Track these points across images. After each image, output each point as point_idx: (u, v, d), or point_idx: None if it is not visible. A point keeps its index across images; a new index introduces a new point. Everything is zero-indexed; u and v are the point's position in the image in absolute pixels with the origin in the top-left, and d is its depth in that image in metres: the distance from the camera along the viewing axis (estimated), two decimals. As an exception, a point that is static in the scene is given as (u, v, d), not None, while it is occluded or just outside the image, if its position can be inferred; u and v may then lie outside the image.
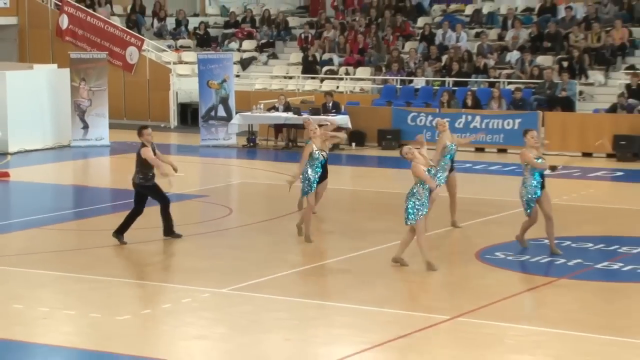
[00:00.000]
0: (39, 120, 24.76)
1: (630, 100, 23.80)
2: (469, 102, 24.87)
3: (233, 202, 18.35)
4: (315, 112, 24.72)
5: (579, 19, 28.49)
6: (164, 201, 14.61)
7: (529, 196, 13.36)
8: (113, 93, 27.56)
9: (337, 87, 29.15)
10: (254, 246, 14.33)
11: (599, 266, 12.86)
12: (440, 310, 10.87)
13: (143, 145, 14.48)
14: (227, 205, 17.46)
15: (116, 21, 31.59)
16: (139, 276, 12.67)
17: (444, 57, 28.54)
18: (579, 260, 13.12)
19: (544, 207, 13.41)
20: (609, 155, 22.77)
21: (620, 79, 25.78)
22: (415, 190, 12.57)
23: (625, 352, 9.49)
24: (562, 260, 13.12)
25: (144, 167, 14.49)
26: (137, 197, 14.53)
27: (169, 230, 14.67)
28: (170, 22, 33.99)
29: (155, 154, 14.58)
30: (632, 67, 26.11)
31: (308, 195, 14.19)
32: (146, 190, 14.52)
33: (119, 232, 14.36)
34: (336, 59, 30.45)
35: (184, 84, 30.05)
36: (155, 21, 33.59)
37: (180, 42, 33.12)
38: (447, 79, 27.45)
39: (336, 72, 29.89)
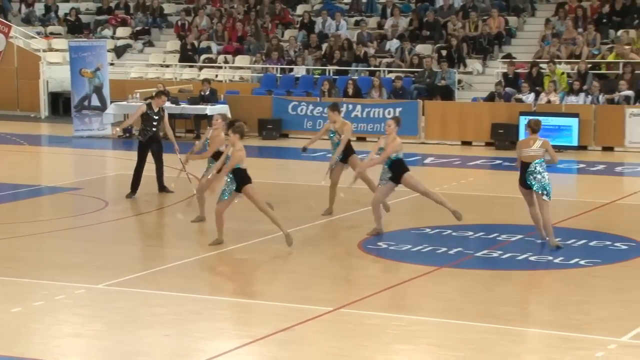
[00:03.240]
0: None
1: (508, 89, 24.38)
2: (350, 91, 25.06)
3: (109, 195, 18.06)
4: (193, 101, 24.54)
5: (457, 7, 29.05)
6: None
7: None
8: (-21, 82, 26.81)
9: (216, 75, 28.99)
10: (131, 240, 14.14)
11: (479, 254, 13.12)
12: (323, 301, 10.92)
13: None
14: (102, 198, 17.18)
15: (-19, 7, 30.71)
16: (8, 273, 12.34)
17: (324, 46, 28.68)
18: (459, 249, 13.37)
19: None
20: (488, 144, 23.29)
21: (498, 67, 26.39)
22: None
23: (504, 338, 9.72)
24: (443, 249, 13.35)
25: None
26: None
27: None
28: (39, 8, 33.21)
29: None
30: (508, 55, 26.76)
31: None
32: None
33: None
34: (214, 47, 30.26)
35: (55, 72, 29.41)
36: (23, 7, 32.74)
37: (50, 28, 32.39)
38: (327, 67, 27.61)
39: (215, 61, 29.71)
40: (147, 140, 17.02)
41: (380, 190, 14.03)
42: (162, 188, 17.12)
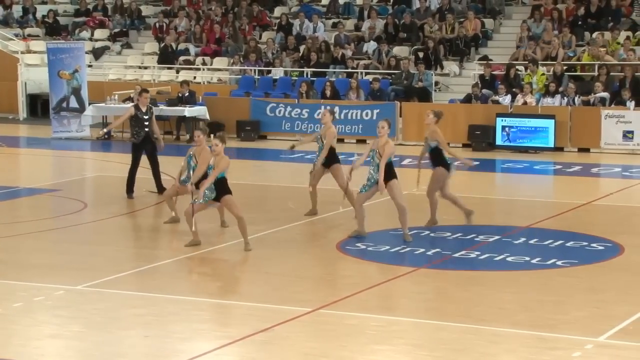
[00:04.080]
0: None
1: (484, 91, 24.46)
2: (328, 92, 25.08)
3: (87, 196, 18.00)
4: (171, 103, 24.48)
5: (433, 10, 29.12)
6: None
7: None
8: (-45, 84, 26.65)
9: (194, 77, 28.94)
10: (109, 241, 14.09)
11: (456, 255, 13.15)
12: (302, 302, 10.92)
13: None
14: (81, 200, 17.11)
15: (-42, 8, 30.53)
16: (-12, 275, 12.27)
17: (302, 48, 28.67)
18: (437, 250, 13.40)
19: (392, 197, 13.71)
20: (465, 145, 23.34)
21: (474, 69, 26.45)
22: None
23: (481, 339, 9.75)
24: (421, 250, 13.37)
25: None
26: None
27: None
28: (17, 10, 33.03)
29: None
30: (485, 57, 26.84)
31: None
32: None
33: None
34: (192, 49, 30.20)
35: (33, 74, 29.27)
36: (1, 8, 32.57)
37: (28, 30, 32.22)
38: (305, 69, 27.60)
39: (193, 63, 29.65)
40: (141, 142, 16.91)
41: (364, 194, 13.92)
42: (161, 189, 16.95)
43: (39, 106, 29.16)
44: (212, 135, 13.49)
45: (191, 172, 14.32)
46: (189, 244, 13.50)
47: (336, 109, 23.83)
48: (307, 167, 15.62)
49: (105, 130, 17.15)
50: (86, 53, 28.02)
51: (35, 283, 11.71)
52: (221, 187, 13.16)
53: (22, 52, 30.03)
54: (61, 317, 10.53)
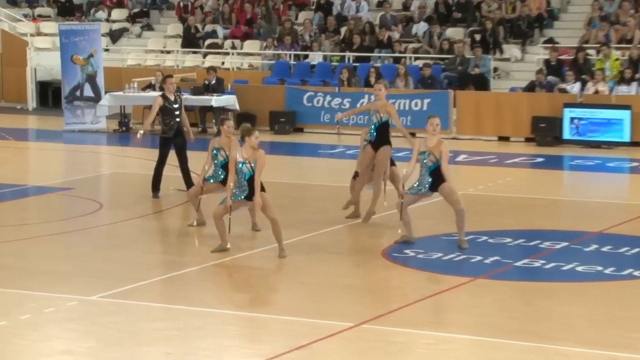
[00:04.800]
0: None
1: (550, 78, 24.31)
2: (372, 80, 25.02)
3: (103, 196, 18.11)
4: (197, 91, 24.57)
5: (492, -14, 29.00)
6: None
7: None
8: (-42, 69, 26.97)
9: (222, 63, 29.04)
10: (128, 246, 14.17)
11: (518, 264, 13.08)
12: (342, 316, 10.91)
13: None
14: (96, 200, 17.22)
15: (-38, -14, 30.88)
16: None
17: (343, 29, 28.67)
18: (497, 258, 13.33)
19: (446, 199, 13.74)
20: (528, 140, 23.22)
21: (539, 53, 26.31)
22: None
23: (545, 358, 9.68)
24: (478, 258, 13.31)
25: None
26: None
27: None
28: (26, -13, 33.35)
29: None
30: (550, 40, 26.67)
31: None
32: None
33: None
34: (220, 31, 30.29)
35: (44, 59, 29.54)
36: (9, -15, 32.91)
37: (38, 10, 32.52)
38: (347, 54, 27.59)
39: (221, 46, 29.74)
40: (172, 135, 16.81)
41: (411, 197, 13.86)
42: (191, 187, 16.87)
43: (49, 95, 29.42)
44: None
45: (218, 169, 14.33)
46: (215, 249, 13.53)
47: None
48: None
49: (141, 132, 16.78)
50: (102, 36, 28.23)
51: (44, 293, 11.79)
52: (254, 185, 13.16)
53: (32, 35, 30.32)
54: (73, 331, 10.60)
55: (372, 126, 15.29)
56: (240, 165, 13.20)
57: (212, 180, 14.61)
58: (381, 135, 15.23)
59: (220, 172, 14.50)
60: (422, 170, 13.75)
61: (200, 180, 14.63)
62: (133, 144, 16.95)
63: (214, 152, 14.50)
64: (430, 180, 13.65)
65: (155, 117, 16.69)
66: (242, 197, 13.25)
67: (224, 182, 14.19)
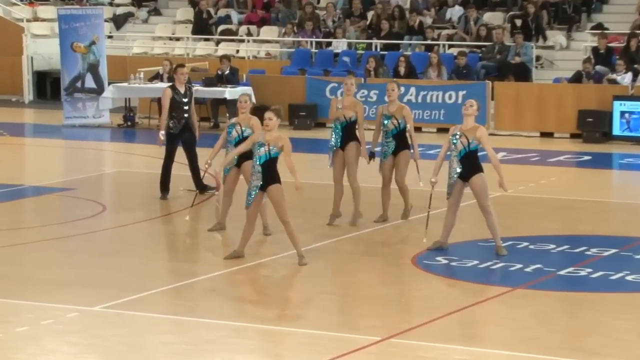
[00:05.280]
0: None
1: (598, 68, 24.25)
2: (402, 70, 25.05)
3: (106, 197, 18.18)
4: (209, 82, 24.63)
5: (536, -34, 28.95)
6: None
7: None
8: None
9: (237, 51, 29.09)
10: (133, 252, 14.22)
11: (562, 273, 13.07)
12: (369, 329, 10.93)
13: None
14: (98, 201, 17.29)
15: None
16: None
17: (370, 14, 28.68)
18: (538, 266, 13.32)
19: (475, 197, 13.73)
20: (573, 136, 23.17)
21: (586, 40, 26.25)
22: None
23: (594, 377, 9.70)
24: (518, 266, 13.31)
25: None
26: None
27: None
28: (23, -32, 33.49)
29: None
30: (599, 26, 26.61)
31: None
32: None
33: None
34: (235, 16, 30.35)
35: (41, 47, 29.65)
36: (3, -34, 33.03)
37: (35, -7, 32.64)
38: (374, 41, 27.60)
39: (235, 33, 29.80)
40: (179, 131, 16.80)
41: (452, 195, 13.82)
42: (201, 186, 16.98)
43: (47, 86, 29.54)
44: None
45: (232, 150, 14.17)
46: (229, 256, 13.58)
47: (413, 90, 23.84)
48: (374, 161, 15.60)
49: (162, 133, 16.65)
50: (105, 21, 28.31)
51: (43, 303, 11.85)
52: (272, 174, 13.18)
53: (28, 20, 30.45)
54: (74, 344, 10.66)
55: (338, 126, 15.28)
56: (258, 148, 13.18)
57: (227, 170, 14.53)
58: (348, 135, 15.25)
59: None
60: (452, 157, 13.69)
61: (219, 173, 14.61)
62: (159, 145, 16.85)
63: (229, 129, 14.47)
64: (460, 169, 13.61)
65: (151, 108, 16.67)
66: (256, 191, 13.19)
67: (239, 165, 14.28)
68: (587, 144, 22.60)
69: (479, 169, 13.65)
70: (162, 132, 16.83)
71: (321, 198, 17.77)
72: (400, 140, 15.29)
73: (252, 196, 13.21)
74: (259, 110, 13.63)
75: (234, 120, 14.60)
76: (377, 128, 15.42)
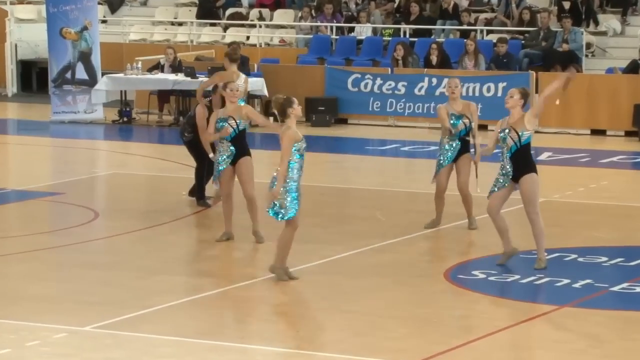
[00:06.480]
0: None
1: (657, 56, 24.24)
2: (434, 59, 25.04)
3: (99, 202, 18.21)
4: (215, 72, 24.64)
5: (586, -59, 28.92)
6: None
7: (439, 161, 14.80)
8: None
9: (248, 38, 29.14)
10: (128, 265, 14.25)
11: (615, 289, 13.05)
12: (396, 352, 10.93)
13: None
14: (90, 207, 17.33)
15: None
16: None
17: (398, -4, 28.70)
18: (588, 281, 13.31)
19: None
20: (628, 133, 23.13)
21: (643, 26, 26.24)
22: None
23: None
24: (565, 281, 13.29)
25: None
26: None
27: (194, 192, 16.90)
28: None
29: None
30: (659, 9, 26.58)
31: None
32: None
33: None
34: (245, -2, 30.42)
35: (27, 33, 29.75)
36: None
37: (20, -27, 32.74)
38: (402, 26, 27.60)
39: (245, 17, 29.85)
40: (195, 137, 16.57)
41: (497, 195, 13.75)
42: (201, 195, 17.00)
43: (33, 77, 29.63)
44: (271, 118, 13.67)
45: (227, 147, 14.42)
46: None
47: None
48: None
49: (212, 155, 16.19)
50: (99, 4, 28.39)
51: (27, 322, 11.88)
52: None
53: (12, 3, 30.55)
54: (62, 368, 10.69)
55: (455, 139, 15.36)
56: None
57: (222, 167, 14.50)
58: (464, 147, 15.45)
59: (231, 150, 14.44)
60: (503, 155, 13.62)
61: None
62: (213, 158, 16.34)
63: (219, 124, 14.46)
64: (510, 168, 13.54)
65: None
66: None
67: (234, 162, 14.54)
68: (644, 142, 22.62)
69: (532, 168, 13.57)
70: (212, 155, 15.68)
71: (342, 204, 17.76)
72: (465, 142, 15.30)
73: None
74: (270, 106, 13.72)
75: (222, 114, 14.53)
76: (494, 138, 14.76)
